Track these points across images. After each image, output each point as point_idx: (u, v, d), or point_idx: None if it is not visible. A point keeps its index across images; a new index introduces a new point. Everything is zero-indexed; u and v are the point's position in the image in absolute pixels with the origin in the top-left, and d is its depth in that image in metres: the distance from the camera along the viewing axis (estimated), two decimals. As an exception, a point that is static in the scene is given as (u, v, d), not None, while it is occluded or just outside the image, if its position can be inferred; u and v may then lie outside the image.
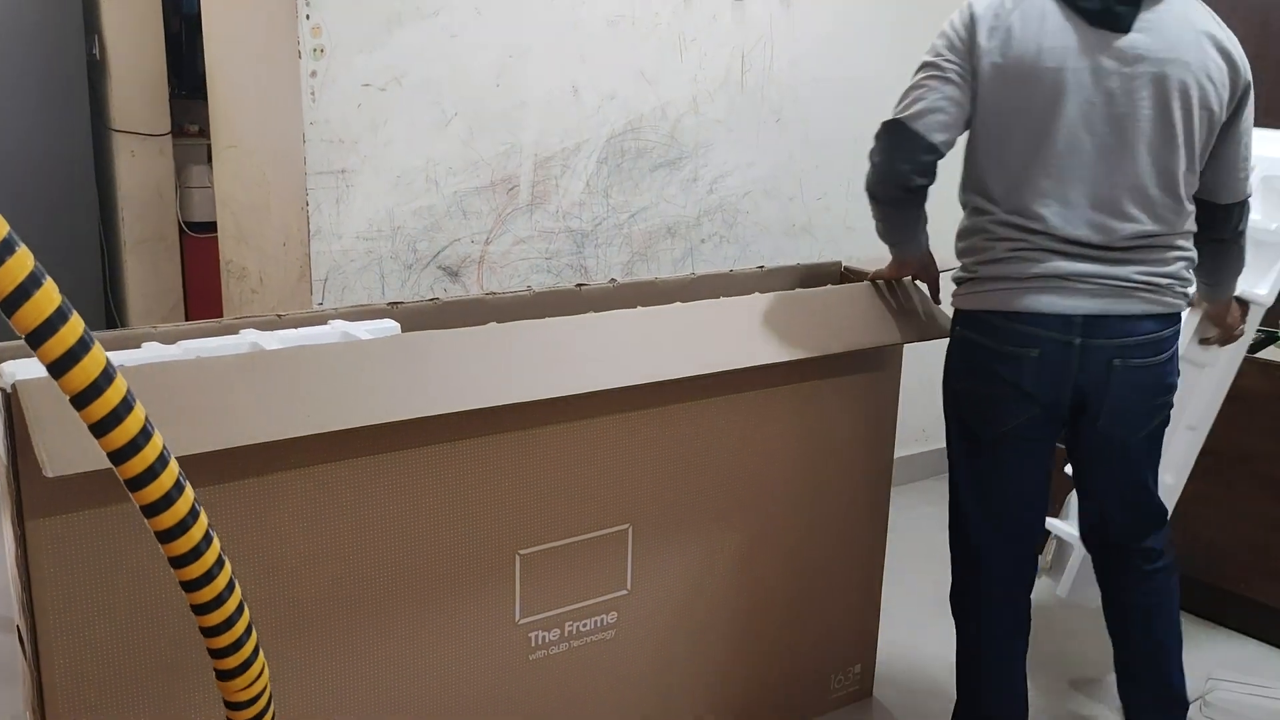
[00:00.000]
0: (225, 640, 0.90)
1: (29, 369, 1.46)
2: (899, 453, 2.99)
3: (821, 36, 3.31)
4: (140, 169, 4.35)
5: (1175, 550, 2.19)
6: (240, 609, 0.90)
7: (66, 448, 1.34)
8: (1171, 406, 2.04)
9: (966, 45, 1.91)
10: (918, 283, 2.27)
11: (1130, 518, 2.12)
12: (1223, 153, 1.96)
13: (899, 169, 1.96)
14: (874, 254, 2.41)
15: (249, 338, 1.68)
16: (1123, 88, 1.84)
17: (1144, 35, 1.84)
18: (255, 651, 0.93)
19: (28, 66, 4.03)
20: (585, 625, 1.98)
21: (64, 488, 1.44)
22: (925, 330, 2.24)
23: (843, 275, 2.46)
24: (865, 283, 2.26)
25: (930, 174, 1.96)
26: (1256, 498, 2.80)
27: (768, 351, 2.02)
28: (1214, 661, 2.68)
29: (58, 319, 0.73)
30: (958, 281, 2.04)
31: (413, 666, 1.80)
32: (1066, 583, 2.57)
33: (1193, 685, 2.56)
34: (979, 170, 1.97)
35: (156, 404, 1.42)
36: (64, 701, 1.50)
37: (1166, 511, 2.16)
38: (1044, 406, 1.96)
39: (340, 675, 1.73)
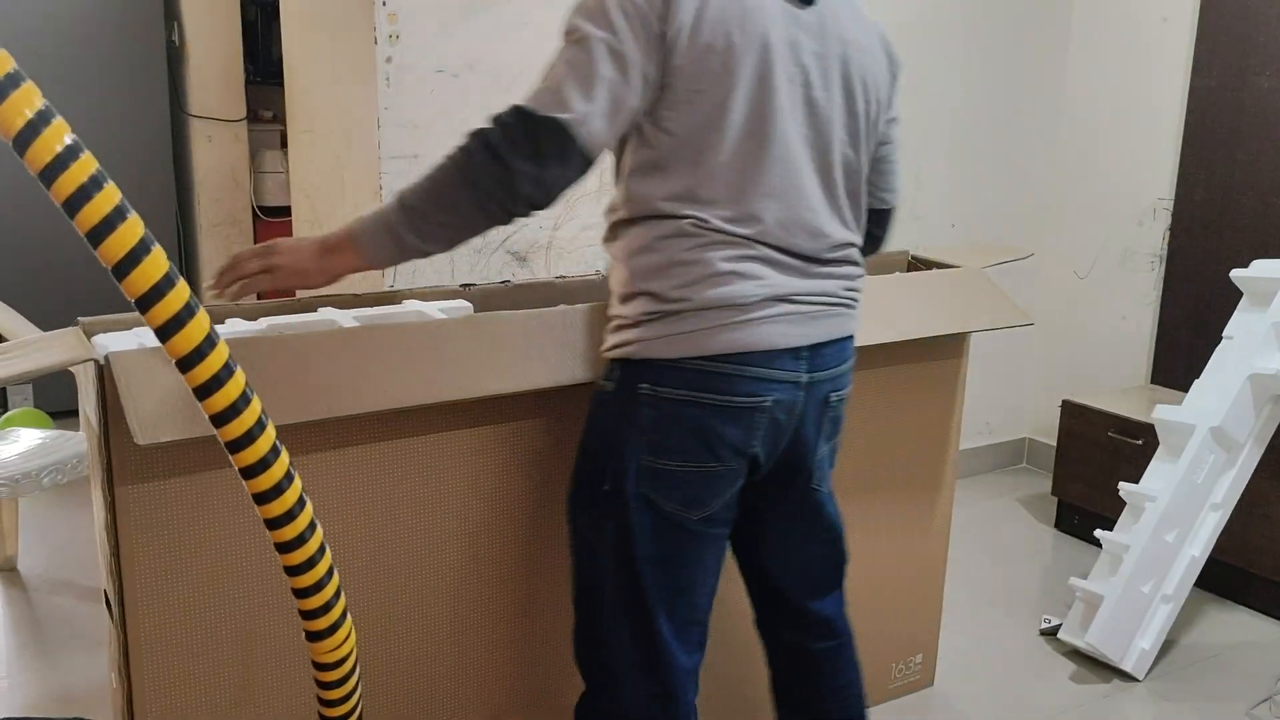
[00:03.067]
0: (315, 602, 0.93)
1: (121, 341, 1.52)
2: (962, 445, 2.98)
3: (894, 27, 3.29)
4: (216, 154, 4.45)
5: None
6: (330, 573, 0.93)
7: (156, 417, 1.39)
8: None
9: (651, 12, 1.42)
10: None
11: (819, 577, 1.76)
12: (889, 152, 1.72)
13: (542, 184, 1.42)
14: (940, 242, 2.39)
15: (327, 315, 1.73)
16: (818, 68, 1.51)
17: (825, 10, 1.53)
18: (344, 615, 0.96)
19: (109, 52, 4.14)
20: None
21: (153, 456, 1.50)
22: (994, 319, 2.22)
23: (910, 264, 2.46)
24: (933, 271, 2.25)
25: (566, 189, 1.46)
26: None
27: (835, 338, 2.02)
28: (1284, 662, 2.64)
29: (165, 285, 0.76)
30: (638, 322, 1.49)
31: (478, 642, 1.84)
32: (1096, 627, 2.55)
33: (1262, 685, 2.53)
34: (670, 164, 1.48)
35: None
36: (149, 663, 1.55)
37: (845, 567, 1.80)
38: (750, 470, 1.56)
39: (424, 638, 1.77)
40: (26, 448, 2.76)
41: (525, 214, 1.45)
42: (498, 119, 1.42)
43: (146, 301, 0.78)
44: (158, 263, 0.77)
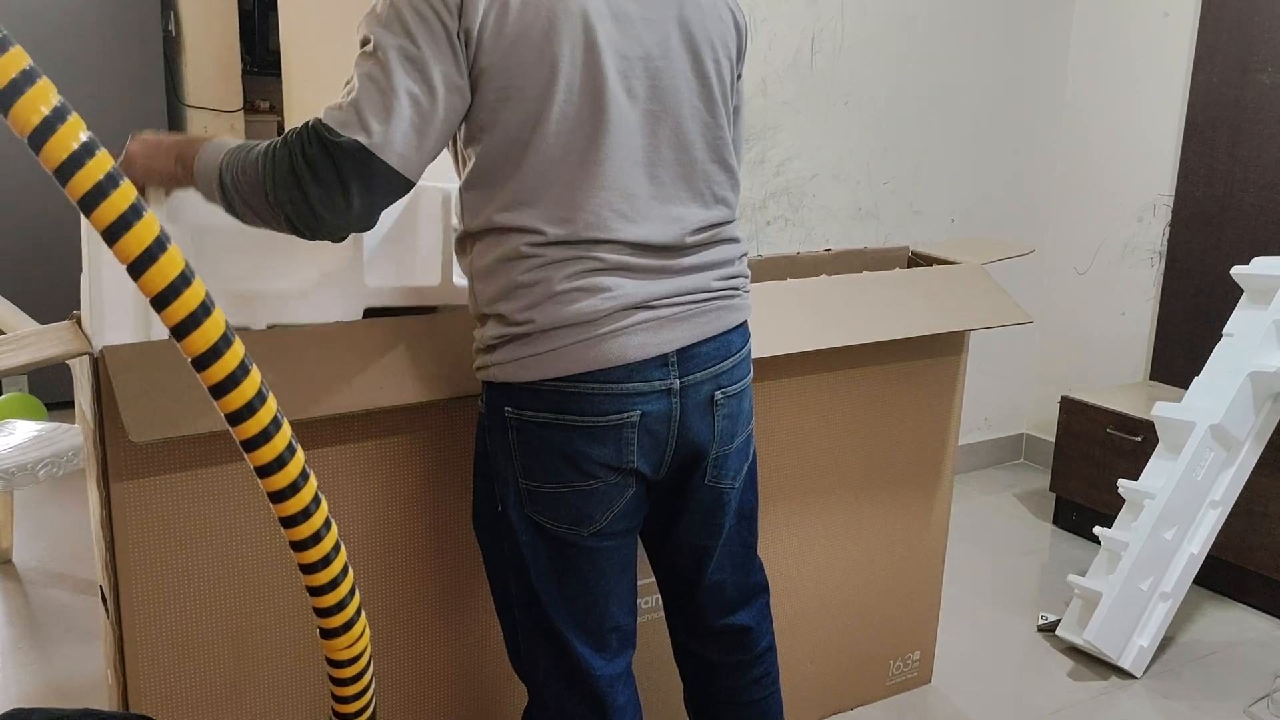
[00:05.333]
0: (330, 600, 0.92)
1: (117, 332, 1.51)
2: (960, 440, 2.98)
3: (894, 19, 3.28)
4: (213, 144, 4.43)
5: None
6: (345, 570, 0.92)
7: (151, 414, 1.38)
8: (753, 440, 1.62)
9: (446, 11, 1.31)
10: None
11: (737, 587, 1.66)
12: (737, 118, 1.56)
13: (340, 210, 1.31)
14: (940, 239, 2.39)
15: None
16: (653, 35, 1.39)
17: None
18: (358, 612, 0.95)
19: (105, 42, 4.12)
20: (646, 602, 1.99)
21: (148, 452, 1.49)
22: (994, 316, 2.22)
23: (910, 260, 2.45)
24: (933, 268, 2.25)
25: (376, 214, 1.37)
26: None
27: (832, 335, 2.01)
28: (1281, 660, 2.64)
29: (181, 283, 0.75)
30: (492, 346, 1.42)
31: (467, 636, 1.83)
32: (1094, 624, 2.55)
33: (1260, 683, 2.53)
34: (497, 173, 1.38)
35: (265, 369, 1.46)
36: (144, 658, 1.55)
37: (766, 579, 1.72)
38: (642, 481, 1.47)
39: (438, 630, 1.77)
40: (22, 440, 2.75)
41: (333, 238, 1.35)
42: (300, 137, 1.29)
43: (163, 300, 0.77)
44: (174, 261, 0.76)
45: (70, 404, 2.82)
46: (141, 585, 1.52)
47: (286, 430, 0.87)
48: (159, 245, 0.76)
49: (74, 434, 2.78)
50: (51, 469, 2.65)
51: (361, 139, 1.27)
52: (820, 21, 3.14)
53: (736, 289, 1.50)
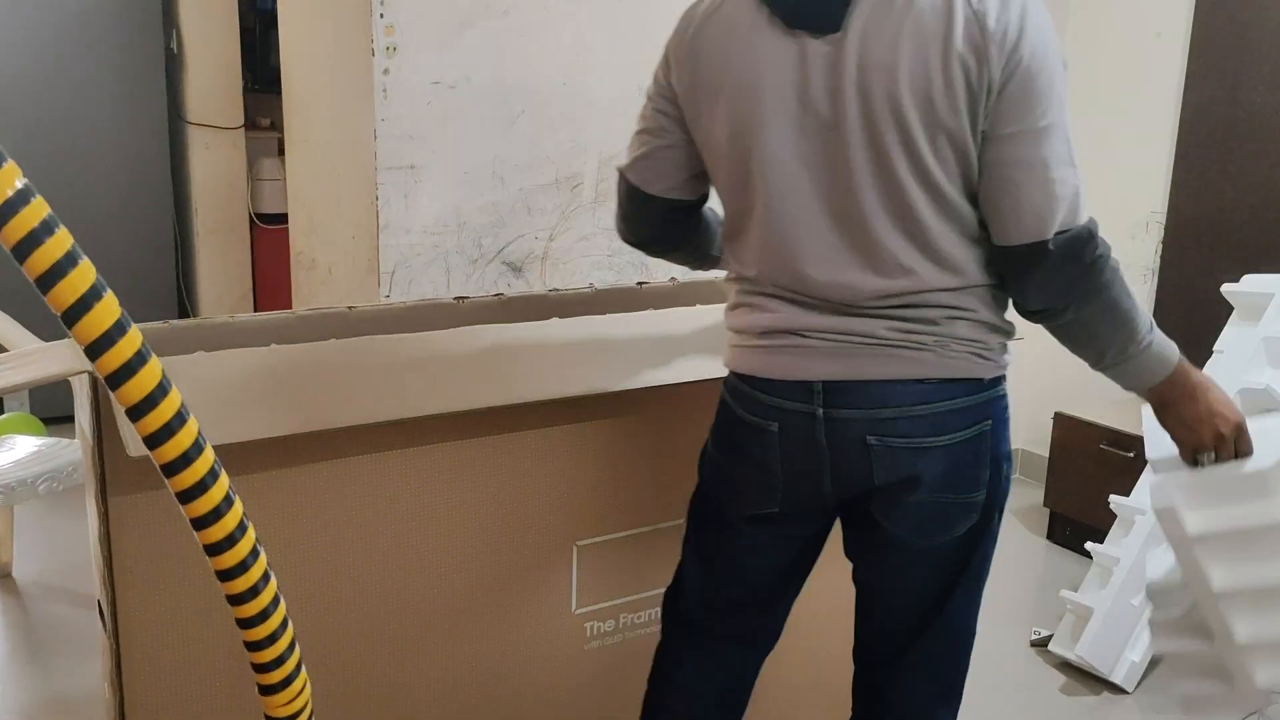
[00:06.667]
0: (268, 655, 0.92)
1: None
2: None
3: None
4: (213, 161, 4.47)
5: None
6: (284, 625, 0.92)
7: (150, 430, 1.40)
8: (979, 514, 1.51)
9: (665, 71, 1.54)
10: None
11: (909, 662, 1.65)
12: (996, 172, 1.37)
13: (634, 226, 1.67)
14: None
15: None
16: (831, 110, 1.38)
17: (854, 35, 1.35)
18: (298, 668, 0.95)
19: (107, 59, 4.15)
20: (640, 617, 2.01)
21: (147, 467, 1.50)
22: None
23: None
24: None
25: (672, 230, 1.66)
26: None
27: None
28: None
29: (116, 332, 0.75)
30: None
31: (469, 654, 1.85)
32: (1086, 640, 2.57)
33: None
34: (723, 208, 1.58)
35: (218, 390, 1.48)
36: (141, 674, 1.56)
37: (958, 678, 1.72)
38: (800, 495, 1.53)
39: (396, 661, 1.78)
40: (22, 455, 2.77)
41: None
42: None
43: (97, 349, 0.76)
44: (109, 308, 0.75)
45: (68, 419, 2.84)
46: (139, 601, 1.54)
47: (224, 480, 0.87)
48: (94, 293, 0.73)
49: (73, 449, 2.81)
50: (51, 484, 2.67)
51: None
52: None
53: (921, 345, 1.42)
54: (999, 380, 1.50)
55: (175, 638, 1.58)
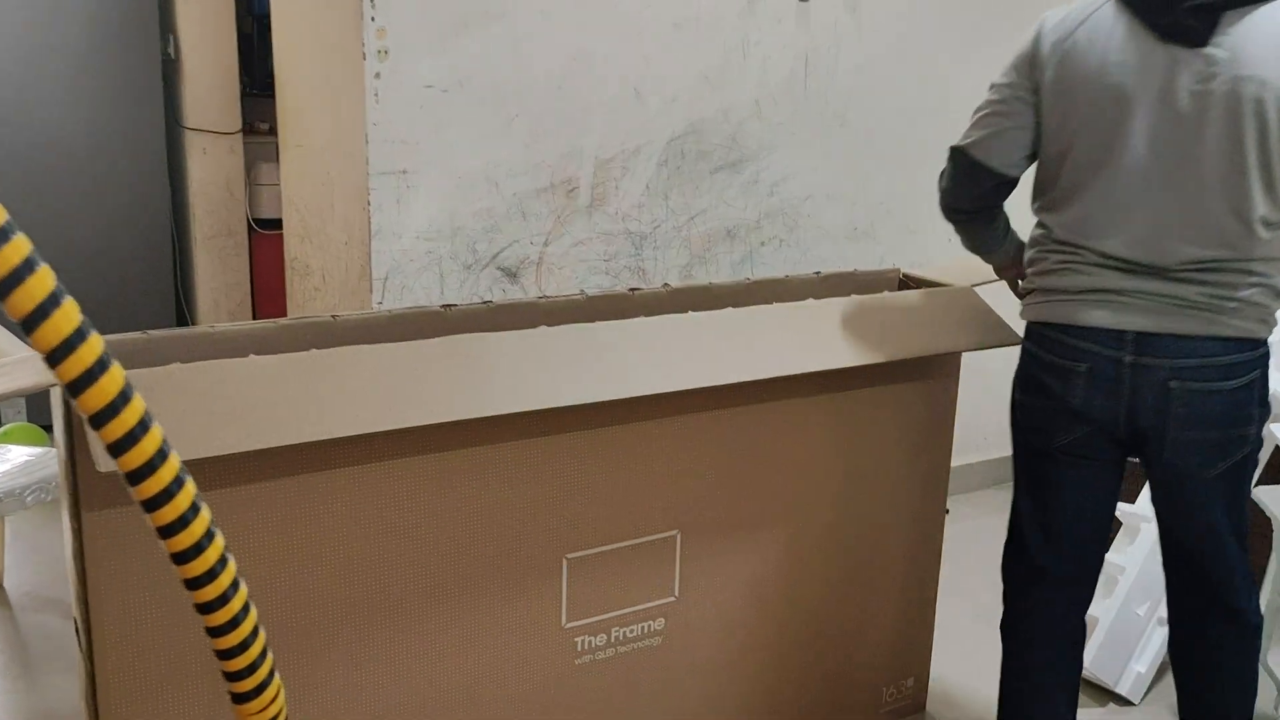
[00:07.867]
0: (240, 663, 0.90)
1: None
2: (958, 460, 2.95)
3: (888, 40, 3.27)
4: (211, 166, 4.44)
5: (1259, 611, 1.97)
6: (255, 632, 0.90)
7: (121, 444, 1.36)
8: (1250, 445, 1.85)
9: (1029, 62, 1.85)
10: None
11: (1197, 567, 1.93)
12: None
13: (960, 196, 1.99)
14: (937, 258, 2.37)
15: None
16: (1192, 108, 1.71)
17: (1221, 49, 1.69)
18: (271, 674, 0.93)
19: (104, 64, 4.13)
20: (632, 631, 1.97)
21: (119, 482, 1.47)
22: (984, 338, 2.20)
23: (901, 282, 2.43)
24: (922, 291, 2.23)
25: (992, 199, 1.98)
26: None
27: (820, 358, 2.00)
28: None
29: (76, 339, 0.72)
30: (1025, 293, 2.00)
31: (459, 669, 1.81)
32: (1091, 650, 2.52)
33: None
34: (1041, 186, 1.92)
35: (201, 401, 1.44)
36: (116, 691, 1.53)
37: (1245, 568, 1.93)
38: (1097, 425, 1.87)
39: (385, 677, 1.75)
40: (11, 465, 2.74)
41: None
42: None
43: (56, 357, 0.73)
44: (69, 316, 0.72)
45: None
46: (114, 617, 1.51)
47: (190, 486, 0.84)
48: (53, 300, 0.71)
49: (64, 458, 2.78)
50: (40, 494, 2.64)
51: (960, 140, 1.96)
52: (814, 42, 3.13)
53: (1219, 308, 1.76)
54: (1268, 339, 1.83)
55: (151, 655, 1.54)
